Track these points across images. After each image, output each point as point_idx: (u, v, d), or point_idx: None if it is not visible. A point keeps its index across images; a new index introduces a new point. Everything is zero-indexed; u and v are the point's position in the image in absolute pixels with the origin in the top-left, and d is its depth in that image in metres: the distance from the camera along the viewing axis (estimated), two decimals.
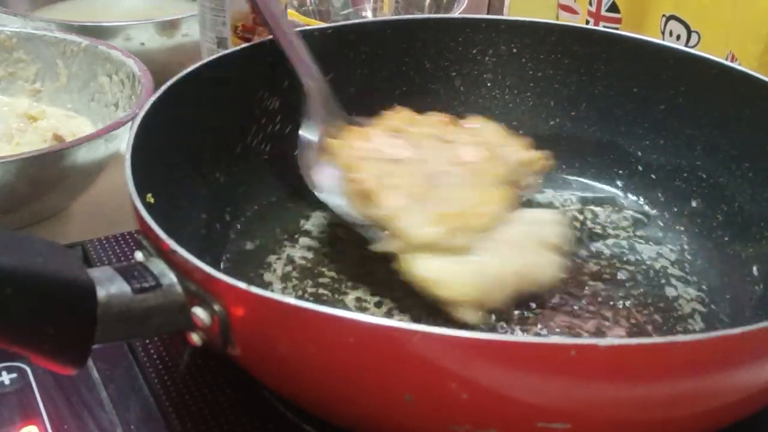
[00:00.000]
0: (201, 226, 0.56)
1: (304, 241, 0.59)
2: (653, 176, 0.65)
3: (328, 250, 0.58)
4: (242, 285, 0.38)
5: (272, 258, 0.57)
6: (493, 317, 0.51)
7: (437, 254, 0.49)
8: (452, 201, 0.51)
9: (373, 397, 0.39)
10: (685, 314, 0.55)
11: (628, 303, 0.55)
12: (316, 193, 0.57)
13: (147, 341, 0.51)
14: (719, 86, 0.62)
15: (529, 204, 0.64)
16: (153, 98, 0.53)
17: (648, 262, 0.59)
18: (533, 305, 0.53)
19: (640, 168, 0.66)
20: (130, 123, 0.59)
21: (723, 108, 0.62)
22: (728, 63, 0.64)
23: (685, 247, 0.61)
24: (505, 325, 0.52)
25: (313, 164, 0.58)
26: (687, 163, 0.64)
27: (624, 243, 0.61)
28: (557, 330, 0.52)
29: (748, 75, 0.60)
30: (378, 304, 0.53)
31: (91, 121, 0.74)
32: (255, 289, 0.38)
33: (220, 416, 0.46)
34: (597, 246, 0.60)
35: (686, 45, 0.92)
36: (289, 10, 0.82)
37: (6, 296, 0.36)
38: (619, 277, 0.57)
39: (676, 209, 0.64)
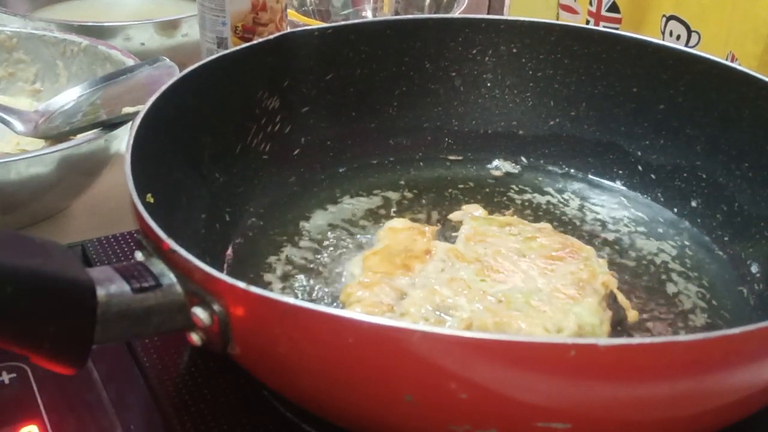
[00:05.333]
0: (201, 226, 0.56)
1: (303, 241, 0.59)
2: (653, 176, 0.65)
3: (327, 251, 0.58)
4: (242, 285, 0.38)
5: (272, 258, 0.57)
6: None
7: None
8: None
9: (373, 397, 0.39)
10: (686, 309, 0.55)
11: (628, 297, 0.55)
12: None
13: (147, 341, 0.51)
14: (719, 86, 0.62)
15: (530, 205, 0.65)
16: (153, 98, 0.53)
17: (649, 257, 0.59)
18: None
19: (639, 168, 0.66)
20: (130, 123, 0.59)
21: (723, 108, 0.62)
22: (728, 63, 0.64)
23: (686, 243, 0.61)
24: None
25: None
26: (687, 163, 0.64)
27: (625, 239, 0.61)
28: None
29: (748, 75, 0.60)
30: None
31: None
32: (254, 289, 0.38)
33: (219, 416, 0.46)
34: (597, 241, 0.61)
35: (686, 45, 0.92)
36: (289, 10, 0.82)
37: (6, 295, 0.36)
38: (619, 272, 0.57)
39: (676, 209, 0.64)
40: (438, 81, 0.69)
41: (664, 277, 0.58)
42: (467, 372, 0.36)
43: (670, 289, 0.57)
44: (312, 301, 0.53)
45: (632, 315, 0.53)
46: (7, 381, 0.48)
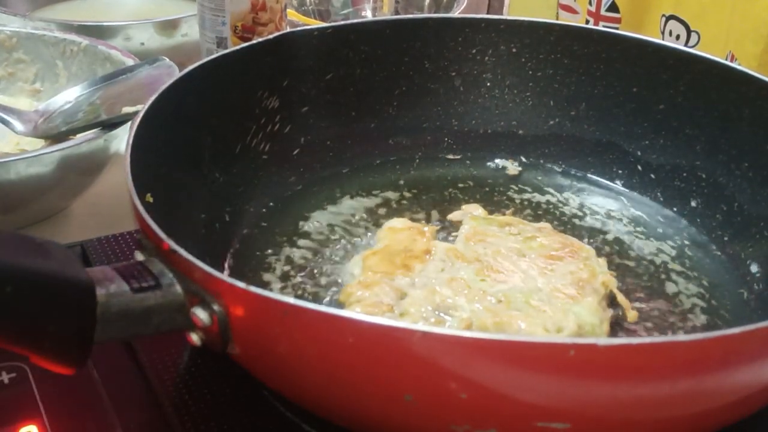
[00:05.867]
0: (200, 226, 0.56)
1: (303, 241, 0.59)
2: (653, 176, 0.65)
3: (326, 251, 0.58)
4: (241, 285, 0.38)
5: (271, 258, 0.57)
6: None
7: None
8: None
9: (373, 397, 0.39)
10: (686, 309, 0.55)
11: (628, 297, 0.55)
12: None
13: (147, 341, 0.51)
14: (719, 86, 0.62)
15: (530, 204, 0.65)
16: (153, 98, 0.53)
17: (648, 257, 0.59)
18: None
19: (639, 168, 0.66)
20: (129, 123, 0.59)
21: (723, 108, 0.62)
22: (728, 63, 0.64)
23: (686, 242, 0.61)
24: None
25: None
26: (686, 163, 0.64)
27: (624, 238, 0.61)
28: None
29: (747, 75, 0.60)
30: None
31: None
32: (254, 289, 0.38)
33: (219, 416, 0.46)
34: (596, 241, 0.61)
35: (686, 45, 0.92)
36: (288, 10, 0.82)
37: (5, 295, 0.36)
38: (619, 272, 0.57)
39: (675, 209, 0.64)
40: (438, 81, 0.69)
41: (663, 276, 0.58)
42: (467, 372, 0.36)
43: (670, 288, 0.57)
44: (312, 300, 0.53)
45: (632, 315, 0.53)
46: (6, 381, 0.48)
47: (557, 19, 1.09)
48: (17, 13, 0.88)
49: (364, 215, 0.62)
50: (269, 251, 0.58)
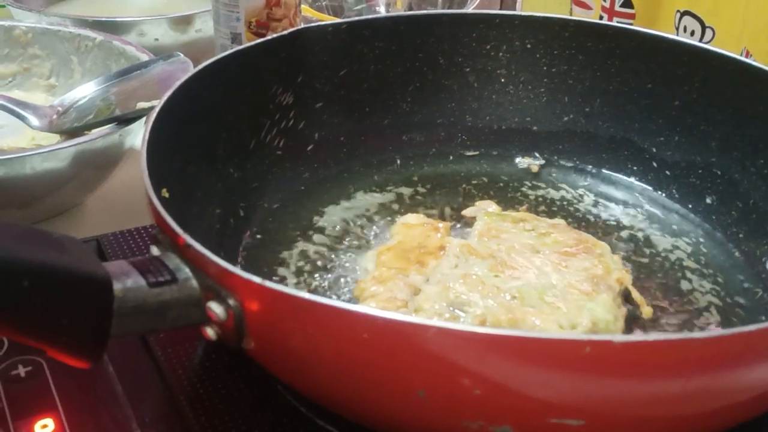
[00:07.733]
0: (215, 221, 0.56)
1: (317, 236, 0.59)
2: (668, 172, 0.65)
3: (340, 246, 0.58)
4: (257, 279, 0.38)
5: (286, 253, 0.57)
6: None
7: None
8: None
9: (386, 393, 0.39)
10: (700, 307, 0.54)
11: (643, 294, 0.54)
12: None
13: (162, 335, 0.51)
14: (734, 82, 0.62)
15: (544, 200, 0.65)
16: (168, 94, 0.53)
17: (663, 254, 0.59)
18: None
19: (654, 164, 0.66)
20: (144, 118, 0.59)
21: (738, 104, 0.62)
22: (743, 59, 0.63)
23: (701, 240, 0.61)
24: None
25: None
26: (701, 160, 0.64)
27: (639, 235, 0.61)
28: None
29: (762, 71, 0.60)
30: None
31: None
32: (269, 284, 0.38)
33: (233, 410, 0.46)
34: (611, 237, 0.60)
35: (700, 41, 0.91)
36: (302, 6, 0.82)
37: (23, 289, 0.36)
38: (634, 268, 0.57)
39: (690, 206, 0.63)
40: (452, 77, 0.69)
41: (678, 274, 0.57)
42: (481, 368, 0.36)
43: (685, 286, 0.56)
44: (326, 296, 0.54)
45: (646, 311, 0.53)
46: (23, 374, 0.49)
47: (571, 14, 1.08)
48: (32, 8, 0.89)
49: (378, 210, 0.63)
50: (283, 246, 0.58)
